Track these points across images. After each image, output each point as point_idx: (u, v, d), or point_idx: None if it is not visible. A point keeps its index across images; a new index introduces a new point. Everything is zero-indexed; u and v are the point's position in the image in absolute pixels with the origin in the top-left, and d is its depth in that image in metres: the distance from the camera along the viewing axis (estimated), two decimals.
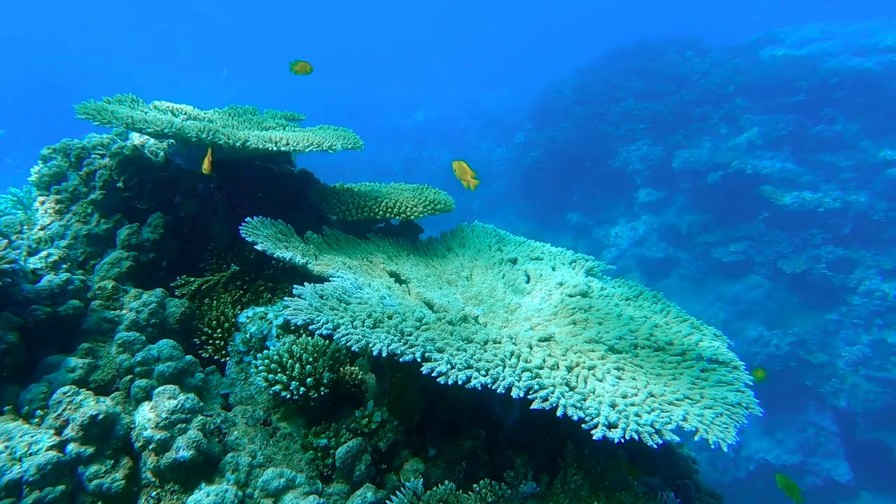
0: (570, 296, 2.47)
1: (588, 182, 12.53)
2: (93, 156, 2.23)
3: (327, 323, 1.72)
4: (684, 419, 1.69)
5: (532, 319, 2.35)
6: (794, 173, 9.49)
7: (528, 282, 2.65)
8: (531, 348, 1.90)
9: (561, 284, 2.56)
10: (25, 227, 2.15)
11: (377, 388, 2.05)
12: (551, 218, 13.29)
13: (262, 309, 2.05)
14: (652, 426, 1.62)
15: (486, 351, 1.84)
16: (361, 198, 2.56)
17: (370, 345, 1.68)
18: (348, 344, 1.67)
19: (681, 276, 10.96)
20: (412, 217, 2.55)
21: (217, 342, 2.03)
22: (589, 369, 1.86)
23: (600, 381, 1.82)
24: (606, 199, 12.36)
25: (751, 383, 2.01)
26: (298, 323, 1.70)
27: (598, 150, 12.01)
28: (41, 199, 2.17)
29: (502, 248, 2.86)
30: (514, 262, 2.77)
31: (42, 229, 2.11)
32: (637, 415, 1.67)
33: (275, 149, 2.13)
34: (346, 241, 2.47)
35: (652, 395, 1.77)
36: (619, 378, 1.85)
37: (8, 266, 1.59)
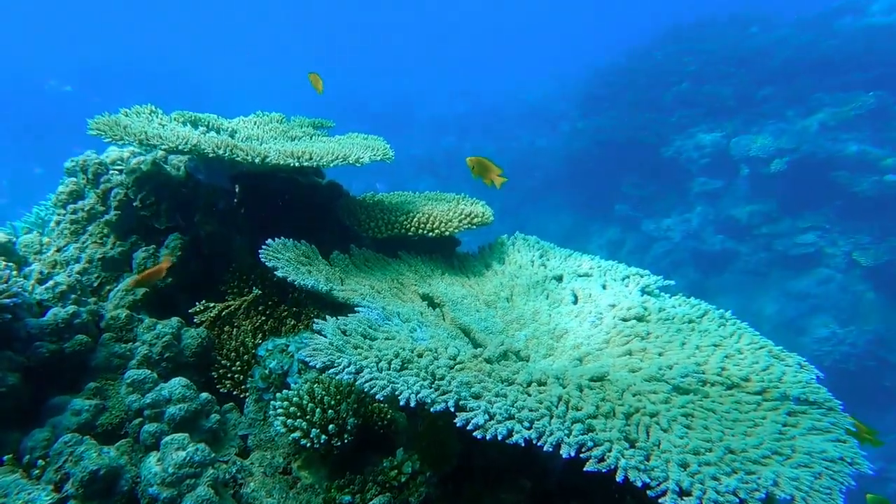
0: (624, 320, 2.19)
1: (637, 172, 11.92)
2: (111, 172, 2.13)
3: (349, 366, 1.52)
4: (775, 483, 1.39)
5: (581, 348, 2.09)
6: (873, 156, 8.61)
7: (575, 302, 2.37)
8: (581, 391, 1.65)
9: (613, 306, 2.27)
10: (45, 247, 2.08)
11: (408, 429, 1.86)
12: (597, 210, 12.78)
13: (283, 341, 1.89)
14: (735, 494, 1.34)
15: (529, 395, 1.60)
16: (392, 213, 2.35)
17: (396, 392, 1.48)
18: (372, 392, 1.47)
19: (740, 270, 10.28)
20: (446, 233, 2.33)
21: (236, 376, 1.88)
22: (651, 416, 1.59)
23: (666, 431, 1.55)
24: (657, 190, 11.73)
25: (852, 429, 1.69)
26: (318, 366, 1.51)
27: (649, 138, 11.38)
28: (56, 218, 2.10)
29: (546, 264, 2.60)
30: (560, 279, 2.50)
31: (58, 251, 2.04)
32: (715, 478, 1.39)
33: (297, 164, 1.95)
34: (374, 260, 2.28)
35: (731, 451, 1.48)
36: (688, 427, 1.57)
37: (9, 301, 1.48)
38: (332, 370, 1.51)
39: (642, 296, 2.40)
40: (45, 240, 2.15)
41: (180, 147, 1.86)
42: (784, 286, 9.76)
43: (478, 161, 2.35)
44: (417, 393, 1.48)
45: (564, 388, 1.64)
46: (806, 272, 9.53)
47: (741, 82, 10.23)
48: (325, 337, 1.64)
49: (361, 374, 1.51)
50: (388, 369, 1.57)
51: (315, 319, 1.70)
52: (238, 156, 1.88)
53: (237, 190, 2.39)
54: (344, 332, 1.69)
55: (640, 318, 2.17)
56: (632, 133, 11.71)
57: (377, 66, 25.11)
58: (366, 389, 1.49)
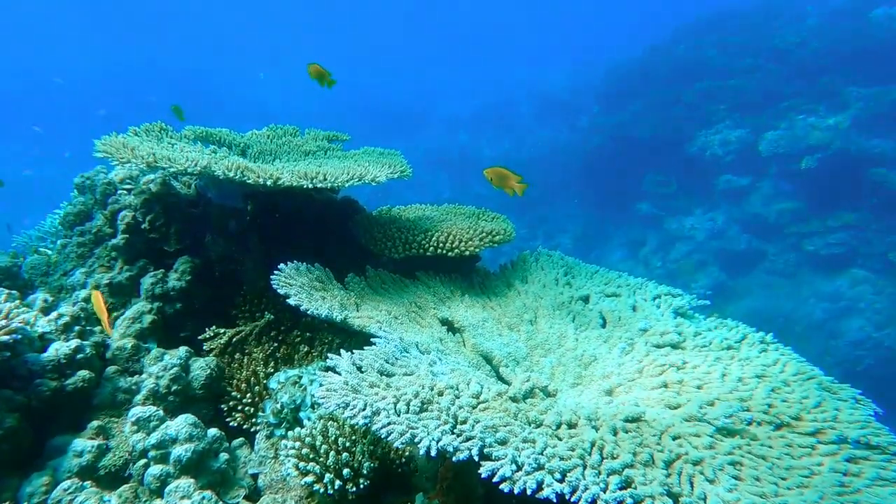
0: (658, 346, 2.04)
1: (659, 169, 11.61)
2: (119, 191, 2.05)
3: (365, 409, 1.41)
4: None
5: (611, 378, 1.95)
6: None
7: (603, 326, 2.23)
8: (616, 434, 1.51)
9: (644, 331, 2.13)
10: (52, 268, 2.02)
11: (428, 469, 1.74)
12: (617, 208, 12.50)
13: (295, 372, 1.79)
14: None
15: (559, 439, 1.47)
16: (409, 231, 2.24)
17: (416, 439, 1.36)
18: (390, 438, 1.36)
19: (767, 270, 9.96)
20: (466, 253, 2.21)
21: (247, 409, 1.79)
22: (695, 465, 1.45)
23: (712, 482, 1.41)
24: (680, 188, 11.42)
25: None
26: (332, 409, 1.41)
27: (672, 134, 11.06)
28: (63, 242, 2.03)
29: (571, 283, 2.46)
30: (586, 300, 2.36)
31: (65, 275, 1.97)
32: None
33: (309, 185, 1.85)
34: (391, 282, 2.17)
35: None
36: (737, 478, 1.43)
37: (8, 337, 1.41)
38: (347, 413, 1.40)
39: (675, 318, 2.25)
40: (54, 257, 2.09)
41: (189, 170, 1.77)
42: (814, 287, 9.43)
43: (495, 172, 2.22)
44: (439, 440, 1.37)
45: (597, 430, 1.52)
46: (838, 273, 9.19)
47: (769, 76, 9.87)
48: (339, 374, 1.53)
49: (378, 418, 1.40)
50: (407, 411, 1.46)
51: (329, 354, 1.59)
52: (249, 178, 1.79)
53: (249, 208, 2.30)
54: (359, 369, 1.58)
55: (674, 346, 2.03)
56: (653, 129, 11.42)
57: (393, 62, 24.99)
58: (383, 435, 1.38)
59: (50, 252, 2.15)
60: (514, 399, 1.60)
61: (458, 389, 1.58)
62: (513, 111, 18.49)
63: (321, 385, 1.48)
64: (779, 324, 9.40)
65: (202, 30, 27.63)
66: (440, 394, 1.56)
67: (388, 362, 1.66)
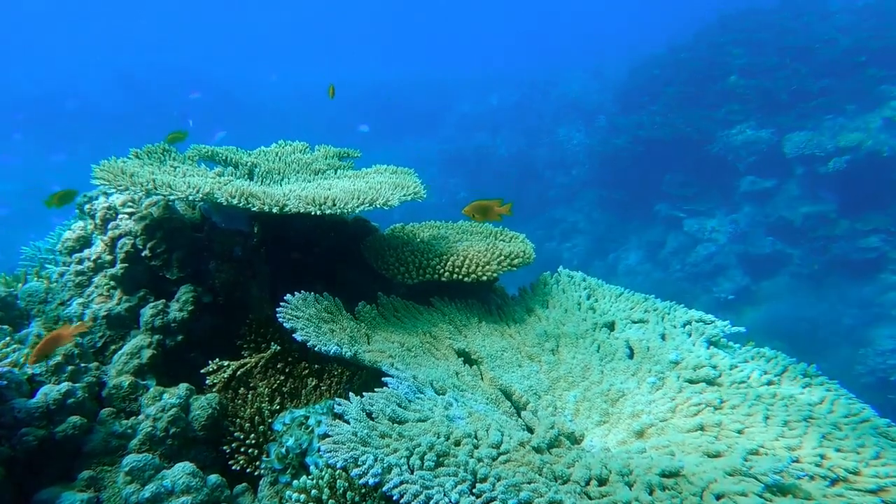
0: (691, 382, 1.89)
1: (680, 170, 11.33)
2: (120, 216, 1.95)
3: (374, 465, 1.29)
4: None
5: (641, 417, 1.80)
6: None
7: (630, 356, 2.08)
8: (652, 492, 1.37)
9: (676, 364, 1.98)
10: (50, 295, 1.93)
11: None
12: (637, 209, 12.24)
13: (302, 412, 1.67)
14: None
15: (589, 498, 1.34)
16: (423, 255, 2.11)
17: (431, 502, 1.24)
18: (403, 501, 1.23)
19: (792, 274, 9.65)
20: (483, 278, 2.08)
21: (250, 451, 1.68)
22: None
23: None
24: (702, 189, 11.13)
25: None
26: (339, 464, 1.29)
27: (693, 134, 10.78)
28: (60, 269, 1.95)
29: (595, 307, 2.31)
30: (612, 326, 2.21)
31: (62, 305, 1.88)
32: None
33: (318, 212, 1.73)
34: (404, 310, 2.05)
35: None
36: None
37: None
38: (355, 471, 1.28)
39: (708, 348, 2.10)
40: (54, 281, 2.00)
41: (191, 197, 1.67)
42: (843, 293, 9.11)
43: (474, 208, 2.08)
44: (456, 503, 1.24)
45: (631, 488, 1.37)
46: (868, 278, 8.86)
47: (795, 75, 9.53)
48: (348, 423, 1.42)
49: (390, 476, 1.28)
50: (421, 467, 1.33)
51: (337, 399, 1.47)
52: (254, 205, 1.68)
53: (256, 230, 2.19)
54: (369, 415, 1.46)
55: (710, 382, 1.87)
56: (674, 129, 11.14)
57: (407, 60, 24.86)
58: (395, 497, 1.25)
59: (52, 271, 2.07)
60: (537, 449, 1.47)
61: (476, 438, 1.46)
62: (529, 110, 18.24)
63: (328, 434, 1.36)
64: (804, 330, 9.10)
65: (210, 32, 27.80)
66: (457, 444, 1.43)
67: (400, 406, 1.53)
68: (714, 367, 1.91)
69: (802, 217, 9.44)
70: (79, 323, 1.38)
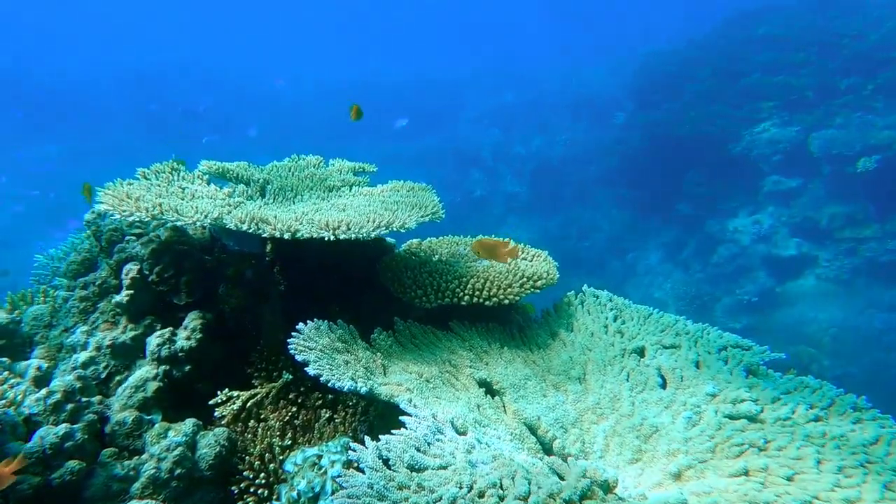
0: (731, 418, 1.76)
1: (701, 169, 11.06)
2: (127, 238, 1.88)
3: None
4: None
5: (678, 457, 1.68)
6: None
7: (663, 386, 1.95)
8: None
9: (713, 396, 1.84)
10: (55, 319, 1.87)
11: None
12: (655, 208, 11.99)
13: (315, 451, 1.58)
14: None
15: None
16: (441, 276, 2.00)
17: None
18: None
19: (819, 276, 9.37)
20: (505, 301, 1.96)
21: (260, 491, 1.59)
22: None
23: None
24: (723, 189, 10.84)
25: None
26: None
27: (714, 132, 10.50)
28: (64, 294, 1.88)
29: (622, 330, 2.18)
30: (641, 353, 2.09)
31: (66, 331, 1.82)
32: None
33: (332, 237, 1.63)
34: (422, 336, 1.94)
35: None
36: None
37: None
38: None
39: (747, 377, 1.96)
40: (59, 302, 1.94)
41: (199, 222, 1.58)
42: (872, 296, 8.83)
43: (481, 245, 1.95)
44: None
45: None
46: None
47: (821, 71, 9.22)
48: (363, 472, 1.32)
49: None
50: None
51: (352, 444, 1.38)
52: (265, 231, 1.59)
53: (268, 248, 2.10)
54: (386, 463, 1.36)
55: (752, 418, 1.73)
56: (694, 127, 10.87)
57: (423, 58, 24.70)
58: None
59: (59, 294, 2.00)
60: (568, 503, 1.36)
61: (502, 489, 1.35)
62: (545, 107, 18.00)
63: (342, 487, 1.27)
64: (833, 334, 8.83)
65: (219, 33, 27.89)
66: (481, 495, 1.32)
67: (419, 450, 1.43)
68: (755, 401, 1.78)
69: (829, 217, 9.16)
70: (19, 457, 1.23)
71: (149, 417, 1.61)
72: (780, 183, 9.82)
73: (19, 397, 1.43)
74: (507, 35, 27.08)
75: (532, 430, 1.79)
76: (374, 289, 2.17)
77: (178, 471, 1.49)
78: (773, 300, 9.74)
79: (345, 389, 1.57)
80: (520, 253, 2.28)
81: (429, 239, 2.50)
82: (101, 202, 1.64)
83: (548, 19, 28.07)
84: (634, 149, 12.23)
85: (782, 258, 9.66)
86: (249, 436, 1.73)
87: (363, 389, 1.60)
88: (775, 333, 9.00)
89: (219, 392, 1.79)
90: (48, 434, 1.34)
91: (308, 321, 1.73)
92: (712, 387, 1.86)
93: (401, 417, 1.54)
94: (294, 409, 1.81)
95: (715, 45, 11.11)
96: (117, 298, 1.76)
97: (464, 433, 1.61)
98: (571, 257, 11.24)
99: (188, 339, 1.75)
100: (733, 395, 1.81)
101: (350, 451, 1.36)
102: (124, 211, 1.59)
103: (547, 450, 1.76)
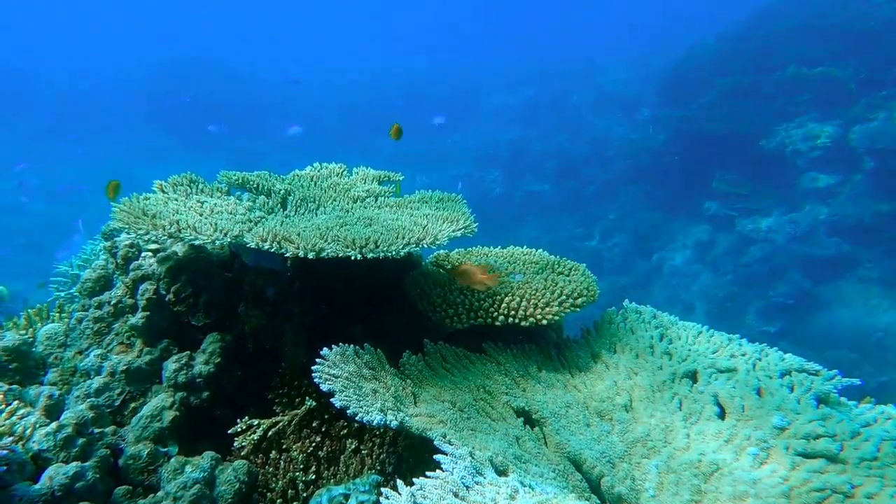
0: (805, 456, 1.57)
1: (731, 166, 10.67)
2: (143, 254, 1.78)
3: None
4: None
5: (746, 501, 1.50)
6: None
7: (721, 416, 1.77)
8: None
9: (781, 430, 1.66)
10: (70, 340, 1.78)
11: None
12: (683, 207, 11.64)
13: (342, 490, 1.45)
14: None
15: None
16: (474, 294, 1.86)
17: None
18: None
19: (861, 278, 8.94)
20: (544, 322, 1.81)
21: None
22: None
23: None
24: (756, 187, 10.44)
25: None
26: None
27: (746, 128, 10.11)
28: (79, 315, 1.79)
29: (671, 351, 2.00)
30: (693, 377, 1.91)
31: (80, 354, 1.73)
32: None
33: (358, 256, 1.50)
34: (454, 359, 1.80)
35: None
36: None
37: None
38: None
39: (818, 407, 1.76)
40: (74, 323, 1.85)
41: (218, 241, 1.47)
42: None
43: (458, 272, 1.82)
44: None
45: None
46: None
47: (864, 62, 8.77)
48: None
49: None
50: None
51: (384, 490, 1.24)
52: (288, 250, 1.47)
53: (289, 264, 1.98)
54: None
55: (831, 458, 1.54)
56: (725, 123, 10.49)
57: (443, 52, 24.49)
58: None
59: (73, 312, 1.92)
60: None
61: None
62: (566, 103, 17.67)
63: None
64: (875, 339, 8.42)
65: (237, 30, 28.05)
66: None
67: (457, 496, 1.29)
68: (832, 437, 1.59)
69: (872, 215, 8.73)
70: None
71: (164, 450, 1.51)
72: (818, 180, 9.40)
73: (28, 431, 1.33)
74: (528, 29, 26.68)
75: (577, 465, 1.64)
76: (398, 303, 2.03)
77: None
78: (810, 303, 9.34)
79: (374, 423, 1.44)
80: (499, 279, 1.96)
81: (457, 250, 2.35)
82: (116, 219, 1.54)
83: (569, 13, 27.58)
84: (660, 145, 11.89)
85: (820, 258, 9.25)
86: (271, 469, 1.61)
87: (394, 423, 1.46)
88: (812, 337, 8.62)
89: (238, 420, 1.67)
90: (57, 474, 1.24)
91: (333, 346, 1.60)
92: (779, 419, 1.67)
93: (436, 457, 1.40)
94: (318, 438, 1.69)
95: (746, 37, 10.71)
96: (133, 321, 1.66)
97: (504, 471, 1.46)
98: (594, 259, 10.97)
99: (206, 363, 1.64)
100: (806, 429, 1.62)
101: (381, 497, 1.23)
102: (140, 229, 1.49)
103: (594, 488, 1.60)
